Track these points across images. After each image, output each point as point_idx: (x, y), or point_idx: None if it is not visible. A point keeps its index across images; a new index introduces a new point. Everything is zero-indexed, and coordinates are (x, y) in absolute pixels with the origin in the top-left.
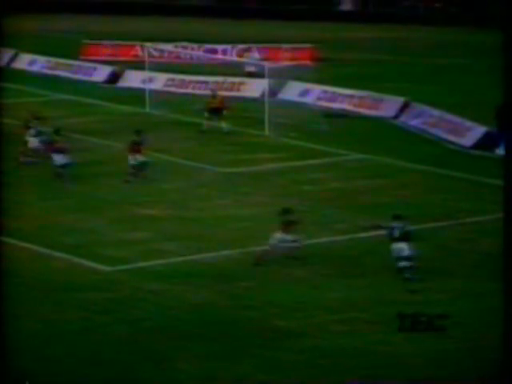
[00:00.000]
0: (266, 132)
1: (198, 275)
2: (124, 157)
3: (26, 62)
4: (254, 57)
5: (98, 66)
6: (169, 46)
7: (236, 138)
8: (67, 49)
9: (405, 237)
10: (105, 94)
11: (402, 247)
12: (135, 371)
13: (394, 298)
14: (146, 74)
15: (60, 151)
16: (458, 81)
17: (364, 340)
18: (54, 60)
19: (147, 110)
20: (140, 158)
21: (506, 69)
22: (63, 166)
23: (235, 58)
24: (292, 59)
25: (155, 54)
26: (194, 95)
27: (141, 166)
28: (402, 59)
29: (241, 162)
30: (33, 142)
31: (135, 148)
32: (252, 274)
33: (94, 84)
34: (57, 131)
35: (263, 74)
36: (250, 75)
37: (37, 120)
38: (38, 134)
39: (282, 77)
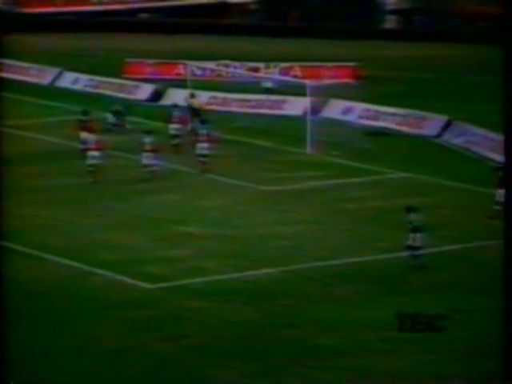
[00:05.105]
0: (308, 150)
1: (239, 293)
2: (165, 175)
3: (70, 80)
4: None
5: (141, 84)
6: (211, 65)
7: (277, 156)
8: (110, 67)
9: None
10: (147, 112)
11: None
12: None
13: (439, 317)
14: (188, 92)
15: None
16: (501, 99)
17: (407, 359)
18: (97, 78)
19: (189, 127)
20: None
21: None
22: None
23: (277, 76)
24: (334, 77)
25: (198, 72)
26: (235, 113)
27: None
28: (444, 77)
29: (282, 180)
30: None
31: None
32: (293, 292)
33: (136, 102)
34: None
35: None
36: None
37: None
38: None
39: (324, 95)
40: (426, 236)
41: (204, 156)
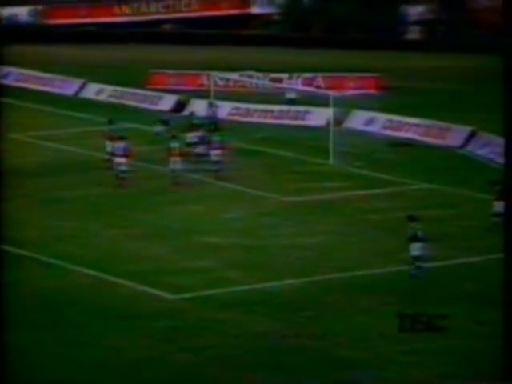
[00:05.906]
0: (331, 161)
1: (262, 304)
2: (189, 185)
3: (94, 91)
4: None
5: (164, 95)
6: (234, 75)
7: (300, 167)
8: (134, 78)
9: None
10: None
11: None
12: None
13: (462, 329)
14: (207, 102)
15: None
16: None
17: (430, 372)
18: (120, 89)
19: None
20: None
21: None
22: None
23: (301, 87)
24: (357, 88)
25: (220, 83)
26: (258, 124)
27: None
28: (468, 88)
29: (305, 191)
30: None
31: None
32: (316, 303)
33: (159, 113)
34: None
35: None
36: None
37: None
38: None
39: (347, 106)
40: (427, 246)
41: (217, 163)
